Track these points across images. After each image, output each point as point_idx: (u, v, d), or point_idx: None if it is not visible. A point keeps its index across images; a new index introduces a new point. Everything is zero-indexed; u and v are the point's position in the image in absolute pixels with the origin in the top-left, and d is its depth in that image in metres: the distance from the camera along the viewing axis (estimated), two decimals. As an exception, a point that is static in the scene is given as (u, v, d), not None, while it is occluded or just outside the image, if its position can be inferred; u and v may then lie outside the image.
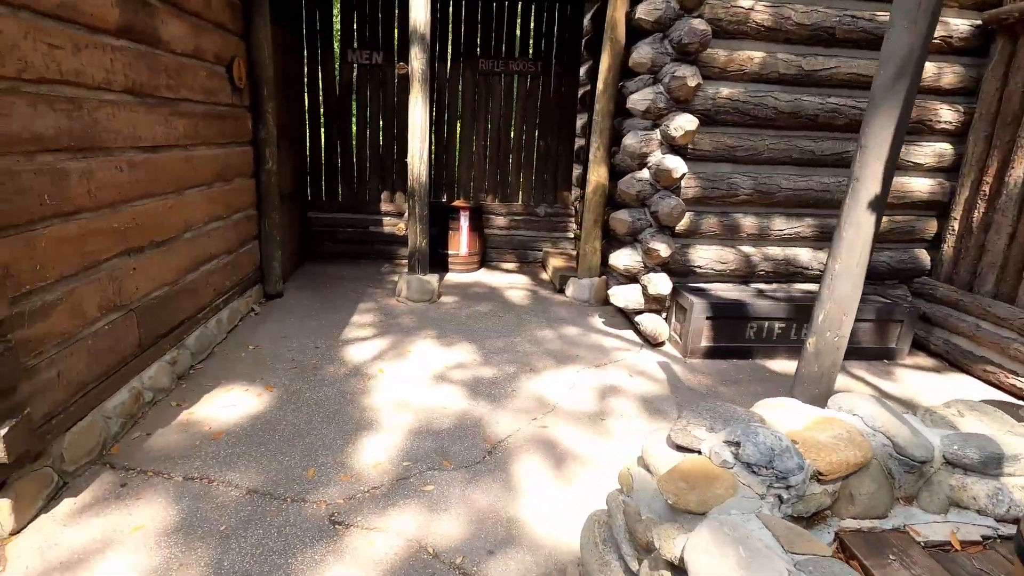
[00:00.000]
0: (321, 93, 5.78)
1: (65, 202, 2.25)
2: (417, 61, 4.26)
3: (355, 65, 5.73)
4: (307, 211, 5.92)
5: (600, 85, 4.52)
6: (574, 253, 6.10)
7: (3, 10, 1.94)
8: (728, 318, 3.78)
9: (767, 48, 3.76)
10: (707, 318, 3.76)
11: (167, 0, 3.02)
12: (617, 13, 4.33)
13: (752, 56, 3.74)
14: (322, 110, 5.85)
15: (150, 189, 2.89)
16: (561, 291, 5.22)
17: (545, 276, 5.86)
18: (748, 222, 4.07)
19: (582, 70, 6.00)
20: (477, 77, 5.87)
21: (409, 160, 4.51)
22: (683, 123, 3.55)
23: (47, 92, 2.15)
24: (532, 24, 5.83)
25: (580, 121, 6.15)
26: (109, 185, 2.54)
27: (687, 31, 3.42)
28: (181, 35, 3.18)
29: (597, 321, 4.53)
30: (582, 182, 6.01)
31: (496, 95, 5.96)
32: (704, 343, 3.82)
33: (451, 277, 5.64)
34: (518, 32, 5.86)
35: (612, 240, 4.85)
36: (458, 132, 6.12)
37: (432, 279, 4.74)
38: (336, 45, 5.74)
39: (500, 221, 6.21)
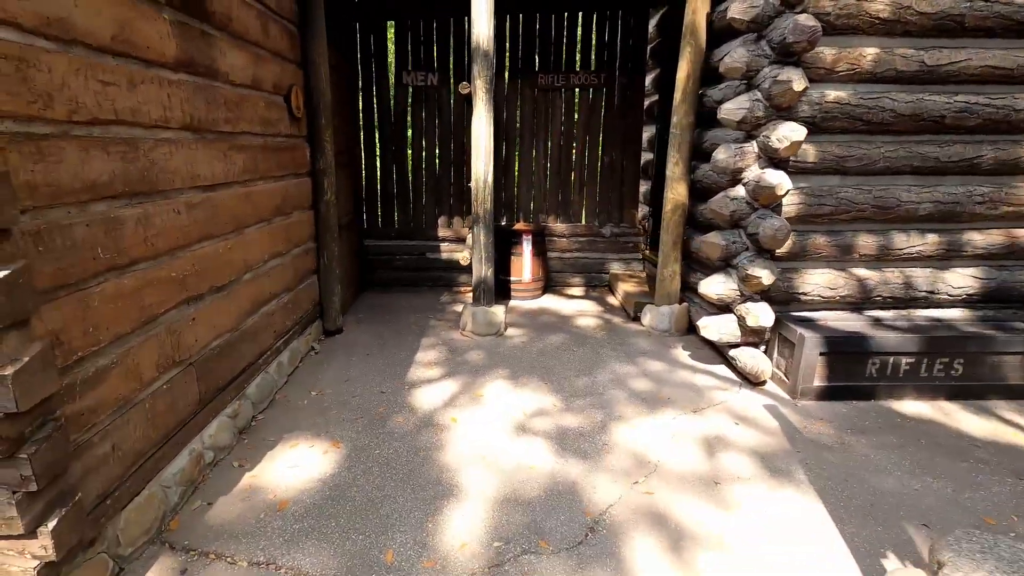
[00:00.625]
0: (376, 117, 5.60)
1: (120, 254, 2.03)
2: (480, 79, 3.98)
3: (410, 87, 5.53)
4: (363, 239, 5.73)
5: (678, 95, 4.12)
6: (644, 275, 5.67)
7: (52, 46, 1.73)
8: (845, 353, 3.28)
9: (882, 43, 3.28)
10: (821, 354, 3.26)
11: (226, 30, 2.84)
12: (697, 17, 3.93)
13: (864, 53, 3.27)
14: (376, 134, 5.67)
15: (209, 231, 2.68)
16: (636, 319, 4.80)
17: (615, 301, 5.45)
18: (861, 241, 3.56)
19: (647, 80, 5.62)
20: (536, 93, 5.57)
21: (472, 185, 4.22)
22: (788, 133, 3.11)
23: (100, 134, 1.94)
24: (594, 34, 5.50)
25: (647, 134, 5.75)
26: (167, 230, 2.32)
27: (792, 28, 2.99)
28: (240, 66, 3.00)
29: (682, 354, 4.08)
30: (651, 199, 5.60)
31: (557, 110, 5.64)
32: (817, 382, 3.32)
33: (514, 305, 5.30)
34: (579, 43, 5.54)
35: (692, 264, 4.41)
36: (517, 151, 5.83)
37: (498, 311, 4.41)
38: (390, 67, 5.56)
39: (562, 243, 5.85)
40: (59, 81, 1.75)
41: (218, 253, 2.76)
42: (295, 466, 2.65)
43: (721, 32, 3.88)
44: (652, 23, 5.51)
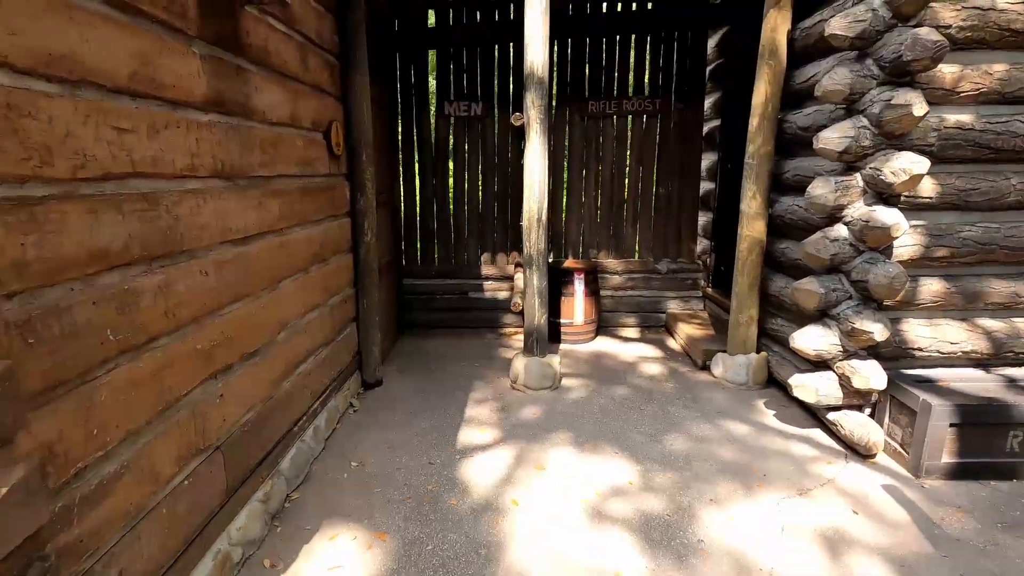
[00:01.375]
0: (415, 150, 5.32)
1: (136, 332, 1.69)
2: (534, 109, 3.63)
3: (452, 118, 5.24)
4: (401, 278, 5.40)
5: (754, 121, 3.69)
6: (706, 316, 5.17)
7: (53, 89, 1.41)
8: (981, 424, 2.74)
9: (1013, 58, 2.81)
10: (951, 424, 2.73)
11: (262, 64, 2.54)
12: (777, 35, 3.52)
13: (991, 70, 2.80)
14: (416, 168, 5.38)
15: (241, 290, 2.35)
16: (705, 368, 4.30)
17: (675, 345, 4.96)
18: (989, 287, 3.03)
19: (707, 104, 5.21)
20: (586, 121, 5.21)
21: (524, 223, 3.84)
22: (906, 165, 2.64)
23: (114, 191, 1.62)
24: (648, 57, 5.13)
25: (706, 162, 5.32)
26: (192, 297, 1.98)
27: (910, 44, 2.55)
28: (277, 103, 2.70)
29: (767, 414, 3.57)
30: (712, 232, 5.13)
31: (607, 138, 5.26)
32: (945, 458, 2.78)
33: (567, 350, 4.86)
34: (631, 67, 5.17)
35: (771, 308, 3.92)
36: (565, 183, 5.45)
37: (553, 361, 3.98)
38: (431, 98, 5.29)
39: (615, 280, 5.42)
40: (62, 131, 1.42)
41: (251, 315, 2.42)
42: (336, 567, 2.24)
43: (805, 51, 3.45)
44: (711, 43, 5.12)
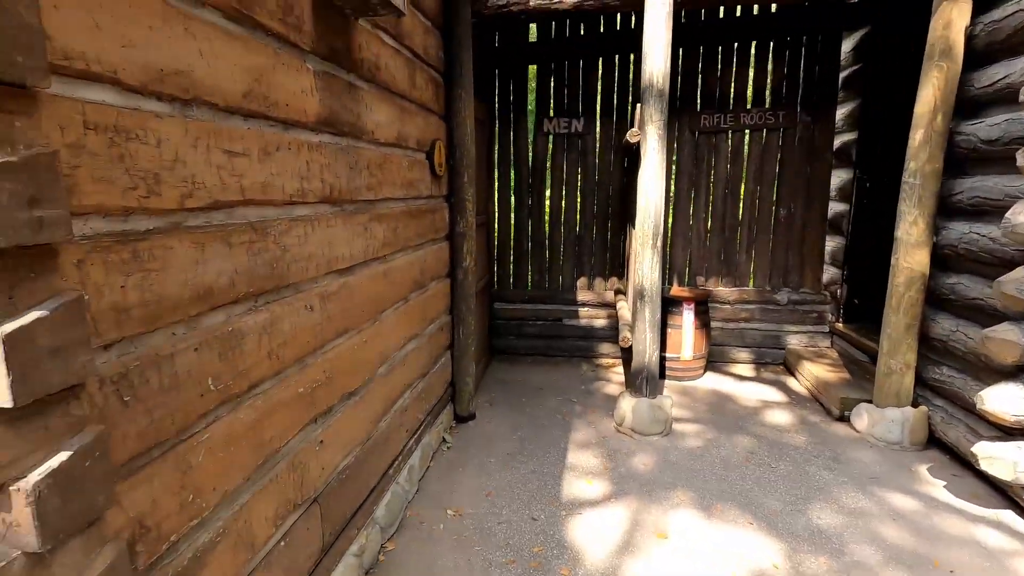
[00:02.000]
0: (511, 168, 5.10)
1: (238, 379, 1.50)
2: (652, 124, 3.28)
3: (550, 135, 4.98)
4: (492, 302, 5.17)
5: (917, 134, 3.13)
6: (836, 356, 4.53)
7: (164, 109, 1.25)
8: None
9: None
10: None
11: (373, 81, 2.38)
12: (952, 32, 2.97)
13: None
14: (512, 188, 5.16)
15: (345, 324, 2.16)
16: (843, 419, 3.71)
17: (800, 388, 4.37)
18: None
19: (838, 114, 4.62)
20: (697, 136, 4.78)
21: (636, 250, 3.47)
22: None
23: (222, 221, 1.45)
24: (770, 65, 4.64)
25: (836, 180, 4.71)
26: (297, 335, 1.80)
27: None
28: (385, 122, 2.54)
29: (935, 485, 2.95)
30: (844, 260, 4.51)
31: (721, 154, 4.79)
32: None
33: (673, 386, 4.41)
34: (751, 77, 4.70)
35: (932, 354, 3.29)
36: (672, 203, 5.03)
37: (665, 404, 3.56)
38: (530, 114, 5.07)
39: (726, 310, 4.90)
40: (171, 156, 1.26)
41: (353, 351, 2.23)
42: (436, 646, 1.96)
43: (989, 49, 2.88)
44: (846, 48, 4.54)
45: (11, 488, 0.90)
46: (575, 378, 4.68)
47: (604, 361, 5.07)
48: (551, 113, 4.96)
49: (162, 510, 1.24)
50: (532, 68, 5.13)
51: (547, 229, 5.18)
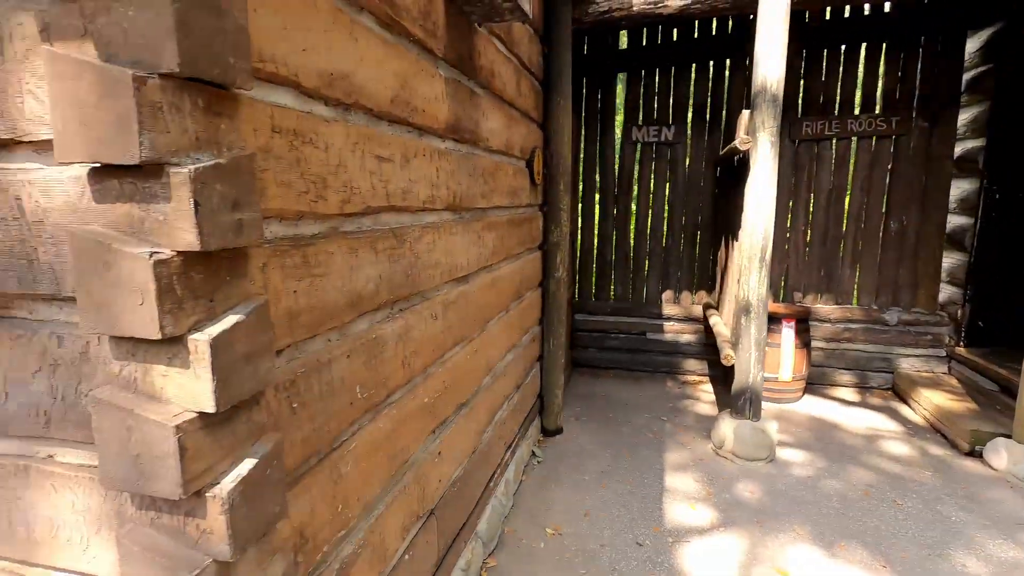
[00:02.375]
0: (597, 177, 5.01)
1: (378, 387, 1.48)
2: (765, 131, 3.10)
3: (638, 144, 4.86)
4: (574, 314, 5.06)
5: (1074, 139, 2.80)
6: (956, 383, 4.13)
7: (330, 113, 1.24)
8: None
9: None
10: None
11: (488, 88, 2.36)
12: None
13: None
14: (596, 197, 5.06)
15: (461, 333, 2.12)
16: (973, 455, 3.35)
17: (914, 416, 4.01)
18: None
19: (961, 120, 4.25)
20: (797, 145, 4.52)
21: (741, 264, 3.29)
22: None
23: (370, 227, 1.43)
24: (882, 68, 4.33)
25: (957, 191, 4.33)
26: (423, 343, 1.77)
27: None
28: (497, 129, 2.51)
29: (1098, 535, 2.60)
30: (967, 277, 4.12)
31: (824, 163, 4.51)
32: None
33: (768, 408, 4.14)
34: (860, 82, 4.41)
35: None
36: (766, 215, 4.77)
37: (769, 428, 3.33)
38: (618, 122, 4.96)
39: (826, 329, 4.58)
40: (335, 160, 1.25)
41: (466, 360, 2.19)
42: (552, 675, 1.86)
43: None
44: (971, 47, 4.18)
45: (207, 495, 0.89)
46: (661, 395, 4.50)
47: (690, 378, 4.86)
48: (640, 121, 4.83)
49: (318, 520, 1.21)
50: (620, 76, 5.03)
51: (632, 240, 5.04)
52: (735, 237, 3.68)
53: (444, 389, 1.97)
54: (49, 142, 0.88)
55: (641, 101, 4.82)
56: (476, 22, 2.13)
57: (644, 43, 4.74)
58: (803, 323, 4.19)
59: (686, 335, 4.89)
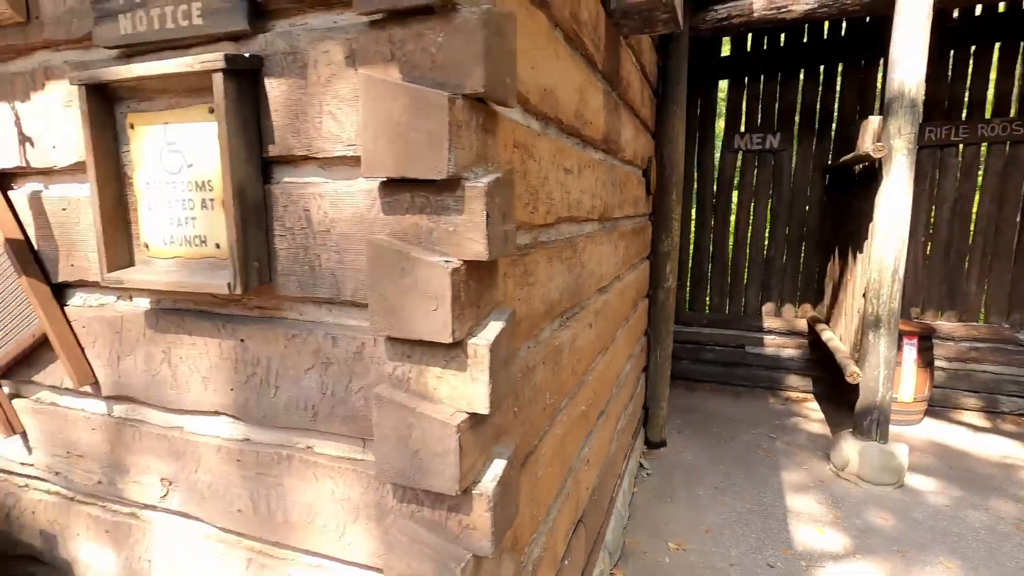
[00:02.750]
0: (695, 186, 4.91)
1: (556, 393, 1.51)
2: (900, 138, 2.95)
3: (740, 152, 4.73)
4: (669, 324, 4.97)
5: None
6: (1107, 410, 3.76)
7: (539, 128, 1.29)
8: None
9: None
10: None
11: (624, 99, 2.37)
12: None
13: None
14: (694, 206, 4.96)
15: (604, 342, 2.14)
16: None
17: (1057, 445, 3.67)
18: None
19: (1113, 124, 3.89)
20: (920, 152, 4.26)
21: (871, 278, 3.13)
22: None
23: (556, 238, 1.47)
24: (1019, 69, 4.03)
25: (1107, 201, 3.95)
26: (584, 351, 1.79)
27: None
28: (628, 139, 2.52)
29: None
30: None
31: (948, 170, 4.24)
32: None
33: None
34: (992, 82, 4.12)
35: None
36: (879, 225, 4.53)
37: (898, 451, 3.14)
38: (718, 130, 4.86)
39: (948, 348, 4.28)
40: (543, 173, 1.29)
41: (605, 368, 2.20)
42: None
43: None
44: None
45: (473, 492, 0.93)
46: (764, 411, 4.33)
47: (792, 394, 4.66)
48: (742, 129, 4.71)
49: (524, 521, 1.25)
50: (721, 83, 4.92)
51: (730, 250, 4.90)
52: (858, 249, 3.51)
53: (593, 397, 1.99)
54: (337, 159, 0.96)
55: (744, 108, 4.70)
56: (624, 34, 2.15)
57: (749, 49, 4.63)
58: (926, 341, 3.94)
59: (788, 349, 4.70)
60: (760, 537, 2.68)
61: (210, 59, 0.91)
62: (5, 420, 1.35)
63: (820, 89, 4.49)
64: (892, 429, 3.92)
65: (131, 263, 1.12)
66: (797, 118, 4.58)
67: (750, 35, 4.59)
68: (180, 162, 1.04)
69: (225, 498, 1.15)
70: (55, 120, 1.17)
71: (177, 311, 1.14)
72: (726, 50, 4.84)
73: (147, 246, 1.10)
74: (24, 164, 1.24)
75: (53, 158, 1.20)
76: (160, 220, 1.08)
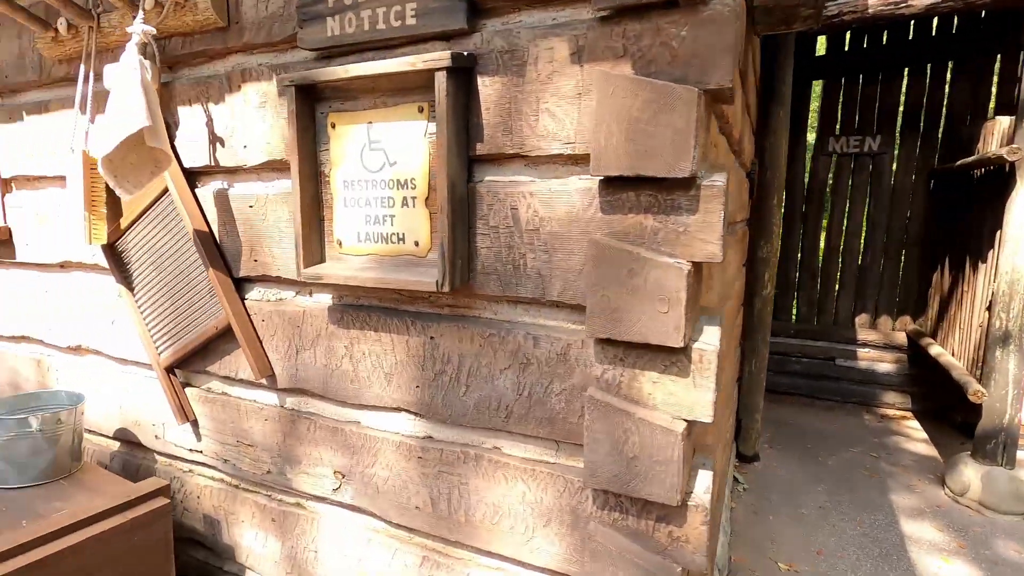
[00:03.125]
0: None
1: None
2: (1040, 140, 2.74)
3: (834, 155, 4.52)
4: (752, 333, 4.79)
5: None
6: None
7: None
8: None
9: None
10: None
11: (747, 98, 2.29)
12: None
13: None
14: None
15: (729, 351, 2.06)
16: None
17: None
18: None
19: None
20: (1041, 155, 3.95)
21: (1000, 290, 2.91)
22: None
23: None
24: None
25: None
26: (726, 359, 1.73)
27: None
28: (746, 141, 2.43)
29: None
30: None
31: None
32: None
33: (1001, 455, 3.62)
34: None
35: None
36: (991, 234, 4.22)
37: (1028, 477, 2.90)
38: (811, 132, 4.66)
39: (1070, 368, 3.93)
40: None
41: (728, 379, 2.12)
42: None
43: None
44: None
45: (689, 503, 0.90)
46: (859, 428, 4.10)
47: (889, 412, 4.39)
48: (838, 131, 4.50)
49: (696, 535, 1.20)
50: (815, 83, 4.72)
51: (820, 257, 4.68)
52: (980, 258, 3.28)
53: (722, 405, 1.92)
54: (548, 157, 0.94)
55: (840, 110, 4.48)
56: (757, 31, 2.07)
57: (847, 48, 4.42)
58: (1049, 359, 3.62)
59: (885, 364, 4.44)
60: (878, 564, 2.52)
61: (434, 57, 0.91)
62: (180, 408, 1.42)
63: (927, 89, 4.23)
64: (1019, 455, 3.64)
65: (322, 259, 1.15)
66: (900, 120, 4.33)
67: (848, 33, 4.38)
68: (382, 160, 1.05)
69: (402, 494, 1.16)
70: (249, 121, 1.22)
71: (362, 307, 1.16)
72: (821, 49, 4.64)
73: (339, 243, 1.13)
74: (212, 163, 1.29)
75: (242, 157, 1.24)
76: (355, 218, 1.10)
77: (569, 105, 0.90)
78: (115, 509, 1.24)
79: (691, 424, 0.89)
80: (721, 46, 0.78)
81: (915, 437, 3.96)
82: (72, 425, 1.41)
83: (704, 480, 0.93)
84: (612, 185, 0.88)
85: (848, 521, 2.86)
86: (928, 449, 3.75)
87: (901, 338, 4.40)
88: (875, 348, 4.49)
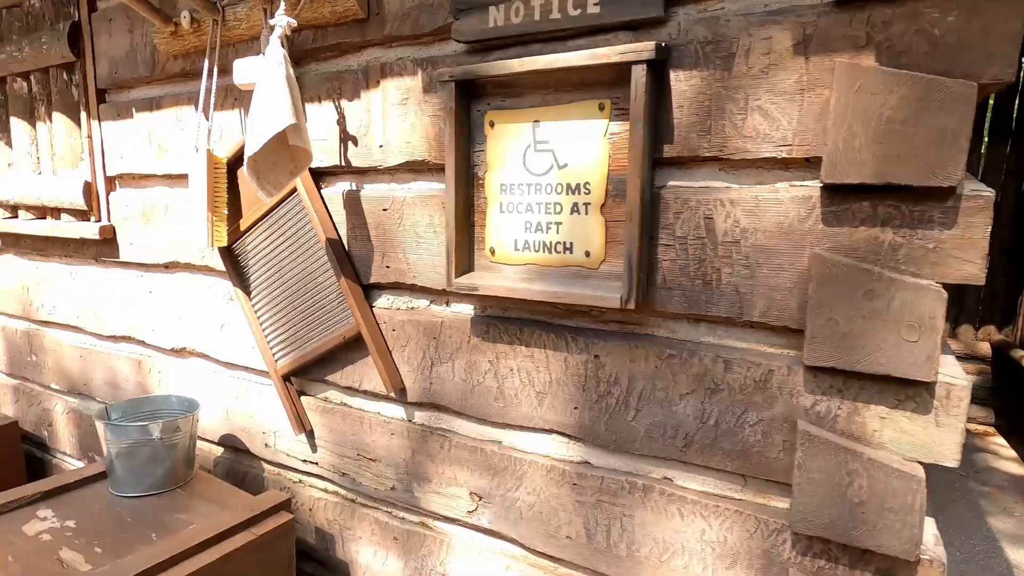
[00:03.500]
0: None
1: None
2: None
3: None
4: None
5: None
6: None
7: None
8: None
9: None
10: None
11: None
12: None
13: None
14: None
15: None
16: None
17: None
18: None
19: None
20: None
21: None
22: None
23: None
24: None
25: None
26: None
27: None
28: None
29: None
30: None
31: None
32: None
33: (1103, 478, 3.38)
34: None
35: None
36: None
37: None
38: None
39: None
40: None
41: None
42: None
43: None
44: None
45: (923, 556, 0.79)
46: (940, 443, 3.88)
47: (970, 426, 4.15)
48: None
49: None
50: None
51: None
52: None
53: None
54: (750, 161, 0.84)
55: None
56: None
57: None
58: None
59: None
60: (991, 594, 2.35)
61: (633, 49, 0.82)
62: (296, 417, 1.36)
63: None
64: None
65: (470, 268, 1.07)
66: (986, 123, 4.08)
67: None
68: (549, 162, 0.96)
69: (551, 522, 1.08)
70: (387, 119, 1.15)
71: (511, 320, 1.08)
72: None
73: (492, 251, 1.05)
74: (342, 163, 1.23)
75: (378, 157, 1.17)
76: (513, 224, 1.01)
77: (788, 103, 0.80)
78: (242, 525, 1.19)
79: (928, 468, 0.78)
80: (1000, 36, 0.67)
81: (1003, 455, 3.73)
82: (189, 432, 1.37)
83: (931, 528, 0.83)
84: (838, 194, 0.78)
85: (946, 547, 2.68)
86: (1018, 468, 3.52)
87: (984, 348, 4.15)
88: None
